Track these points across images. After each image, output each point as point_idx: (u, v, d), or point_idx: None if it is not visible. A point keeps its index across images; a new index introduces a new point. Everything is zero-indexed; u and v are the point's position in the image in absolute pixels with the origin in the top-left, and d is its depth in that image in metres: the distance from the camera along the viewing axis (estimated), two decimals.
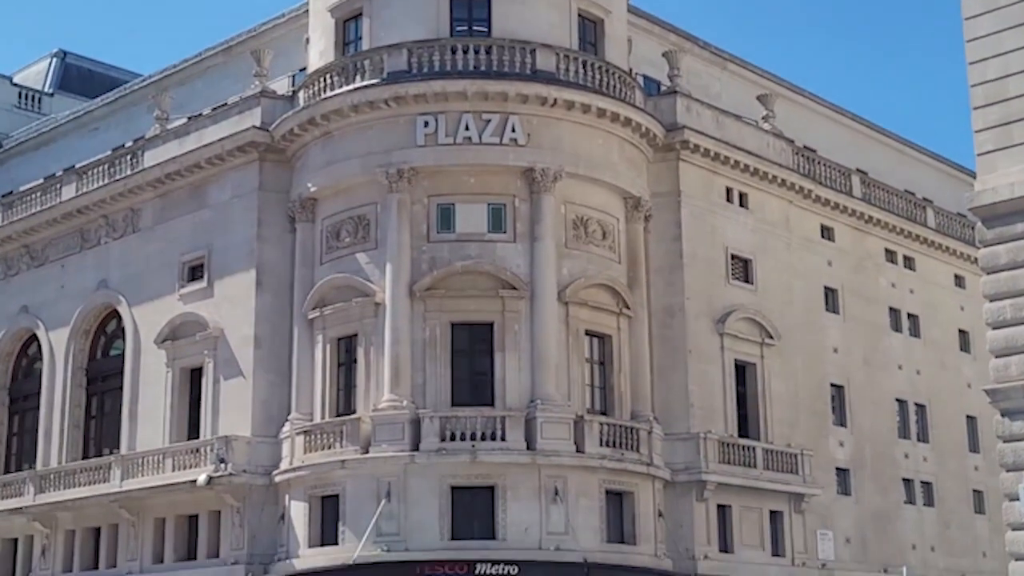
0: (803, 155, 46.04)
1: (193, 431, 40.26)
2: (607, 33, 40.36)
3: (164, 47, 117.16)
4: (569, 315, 37.61)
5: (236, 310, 39.79)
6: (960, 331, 51.09)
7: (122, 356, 43.52)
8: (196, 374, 40.75)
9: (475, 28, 38.71)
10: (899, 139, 57.20)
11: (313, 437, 36.95)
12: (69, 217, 46.14)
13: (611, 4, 40.75)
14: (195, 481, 37.66)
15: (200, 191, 42.16)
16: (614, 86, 39.12)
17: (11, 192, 51.44)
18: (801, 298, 44.41)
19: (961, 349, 51.10)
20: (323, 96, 38.68)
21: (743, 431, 40.99)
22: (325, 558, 35.54)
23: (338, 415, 37.34)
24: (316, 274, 38.87)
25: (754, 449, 40.23)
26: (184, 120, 43.87)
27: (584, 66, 38.62)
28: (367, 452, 35.80)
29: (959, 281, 51.59)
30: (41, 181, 49.45)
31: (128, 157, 44.69)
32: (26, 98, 63.95)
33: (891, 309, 48.50)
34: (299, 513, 36.77)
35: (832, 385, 45.30)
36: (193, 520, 39.47)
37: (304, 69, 41.86)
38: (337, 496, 36.13)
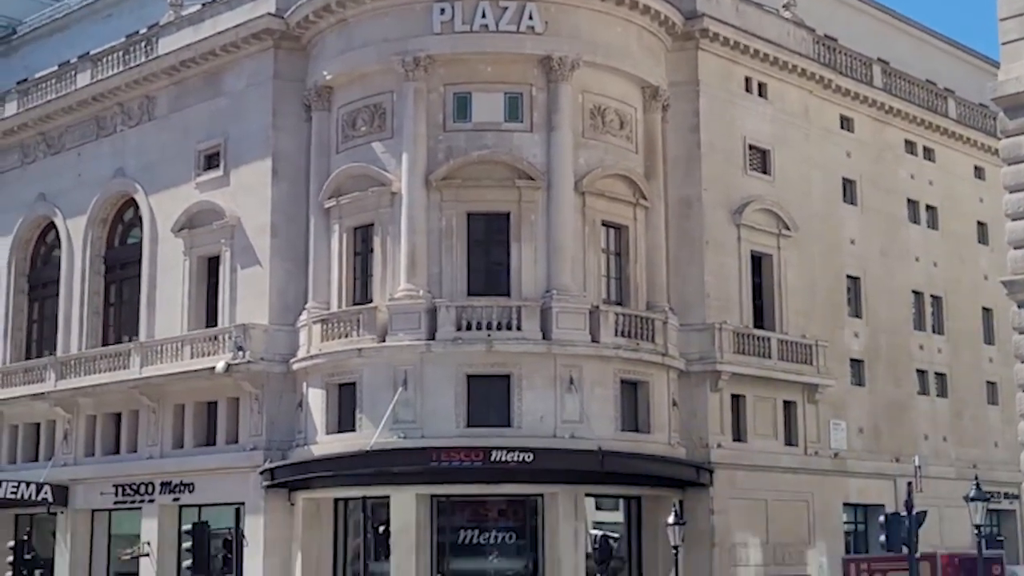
0: (824, 44, 45.42)
1: (211, 319, 40.54)
2: None
3: None
4: (586, 205, 37.51)
5: (252, 199, 39.77)
6: (978, 223, 50.83)
7: (139, 244, 43.66)
8: (213, 262, 40.90)
9: None
10: (922, 28, 56.29)
11: (330, 326, 37.17)
12: (84, 105, 45.94)
13: None
14: (213, 368, 38.01)
15: (215, 79, 41.88)
16: None
17: (26, 79, 51.15)
18: (819, 189, 44.17)
19: (979, 241, 50.88)
20: None
21: (758, 322, 41.08)
22: (342, 444, 35.98)
23: (355, 304, 37.51)
24: (332, 163, 38.75)
25: (769, 340, 40.37)
26: (198, 7, 43.39)
27: None
28: (384, 341, 36.01)
29: (979, 172, 51.19)
30: (56, 68, 49.13)
31: (143, 44, 44.33)
32: None
33: (909, 201, 48.23)
34: (316, 400, 37.15)
35: (848, 276, 45.23)
36: (212, 406, 39.92)
37: None
38: (354, 384, 36.45)
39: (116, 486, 41.61)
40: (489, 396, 35.61)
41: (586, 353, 36.09)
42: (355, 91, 38.51)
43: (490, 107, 37.33)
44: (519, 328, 35.66)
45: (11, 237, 48.45)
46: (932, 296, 48.45)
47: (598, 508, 37.59)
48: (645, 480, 36.87)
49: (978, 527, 29.95)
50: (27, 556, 39.75)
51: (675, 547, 34.45)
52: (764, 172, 42.19)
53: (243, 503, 37.44)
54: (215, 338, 38.96)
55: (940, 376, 48.24)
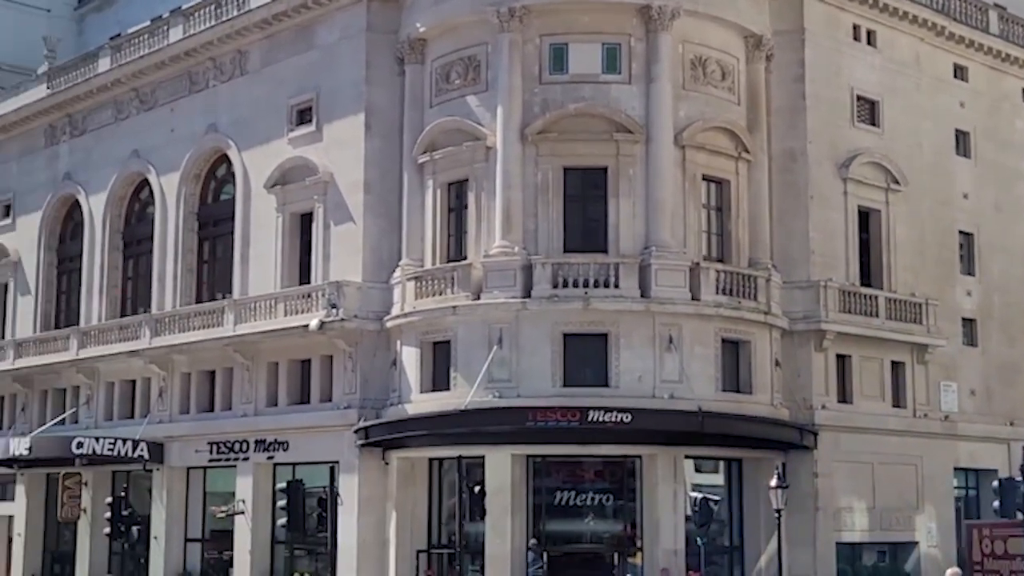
0: None
1: (304, 276, 40.97)
2: None
3: None
4: (686, 159, 37.18)
5: (345, 154, 40.03)
6: None
7: (232, 201, 44.18)
8: (306, 219, 41.27)
9: None
10: None
11: (424, 283, 37.38)
12: (177, 60, 46.51)
13: None
14: (307, 326, 38.42)
15: (307, 32, 42.14)
16: None
17: (119, 35, 51.92)
18: (930, 142, 43.32)
19: None
20: None
21: (865, 279, 40.52)
22: (437, 403, 36.26)
23: (449, 261, 37.67)
24: (426, 117, 38.85)
25: (876, 298, 39.80)
26: None
27: None
28: (478, 298, 36.14)
29: None
30: (148, 23, 49.77)
31: None
32: None
33: None
34: (411, 359, 37.44)
35: (961, 232, 44.35)
36: (306, 364, 40.42)
37: None
38: (448, 342, 36.65)
39: (211, 444, 42.39)
40: (586, 355, 35.59)
41: (686, 311, 35.88)
42: (449, 43, 38.51)
43: (587, 58, 37.09)
44: (617, 286, 35.54)
45: (106, 193, 49.30)
46: None
47: (697, 470, 37.45)
48: (746, 442, 36.66)
49: None
50: (124, 512, 40.67)
51: (778, 511, 34.29)
52: (872, 124, 41.47)
53: (337, 462, 37.89)
54: (308, 295, 39.39)
55: None
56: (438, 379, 36.88)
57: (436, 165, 38.27)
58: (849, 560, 38.73)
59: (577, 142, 36.78)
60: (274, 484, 39.93)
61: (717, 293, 36.42)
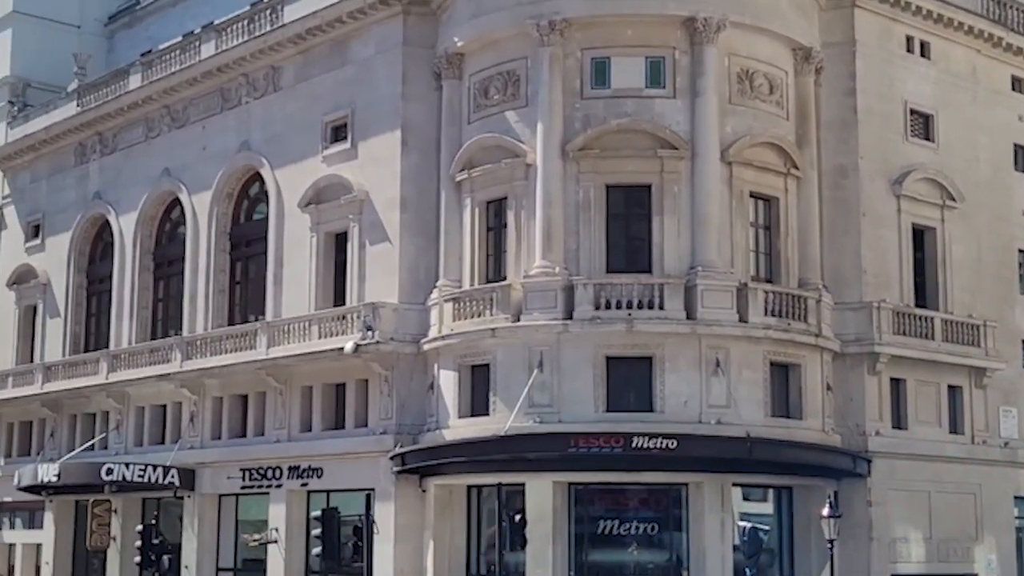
0: None
1: (339, 297, 40.96)
2: None
3: None
4: (732, 176, 36.95)
5: (381, 172, 40.03)
6: None
7: (265, 220, 44.30)
8: (341, 239, 41.29)
9: None
10: None
11: (462, 304, 37.27)
12: (209, 76, 46.73)
13: None
14: (342, 349, 38.39)
15: (342, 47, 42.23)
16: None
17: (150, 51, 52.24)
18: (987, 156, 42.94)
19: None
20: None
21: (920, 300, 40.16)
22: (476, 429, 36.10)
23: (488, 281, 37.55)
24: (464, 134, 38.80)
25: (932, 319, 39.43)
26: None
27: None
28: (518, 320, 36.00)
29: None
30: (180, 39, 50.07)
31: (267, 12, 44.85)
32: None
33: None
34: (448, 382, 37.32)
35: (1020, 251, 43.93)
36: (340, 388, 40.37)
37: None
38: (487, 365, 36.51)
39: (243, 470, 42.40)
40: (629, 379, 35.38)
41: (733, 334, 35.60)
42: (487, 58, 38.47)
43: (630, 72, 36.95)
44: (661, 307, 35.32)
45: (136, 213, 49.59)
46: None
47: (746, 498, 37.09)
48: (797, 469, 36.31)
49: None
50: (155, 541, 40.70)
51: (830, 541, 33.86)
52: (927, 138, 41.17)
53: (373, 489, 37.78)
54: (343, 317, 39.36)
55: None
56: (477, 404, 36.74)
57: (474, 183, 38.20)
58: None
59: (620, 159, 36.63)
60: (308, 512, 39.92)
61: (766, 314, 36.14)
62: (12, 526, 53.24)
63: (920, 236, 40.69)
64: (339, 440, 39.65)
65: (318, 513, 36.37)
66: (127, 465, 43.55)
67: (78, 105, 52.91)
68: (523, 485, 35.81)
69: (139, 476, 43.15)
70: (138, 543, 40.86)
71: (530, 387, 35.18)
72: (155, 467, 43.26)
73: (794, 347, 36.68)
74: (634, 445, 33.73)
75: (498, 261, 37.86)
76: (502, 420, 35.27)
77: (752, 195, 37.54)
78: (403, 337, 38.26)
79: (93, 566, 49.42)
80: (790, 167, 38.04)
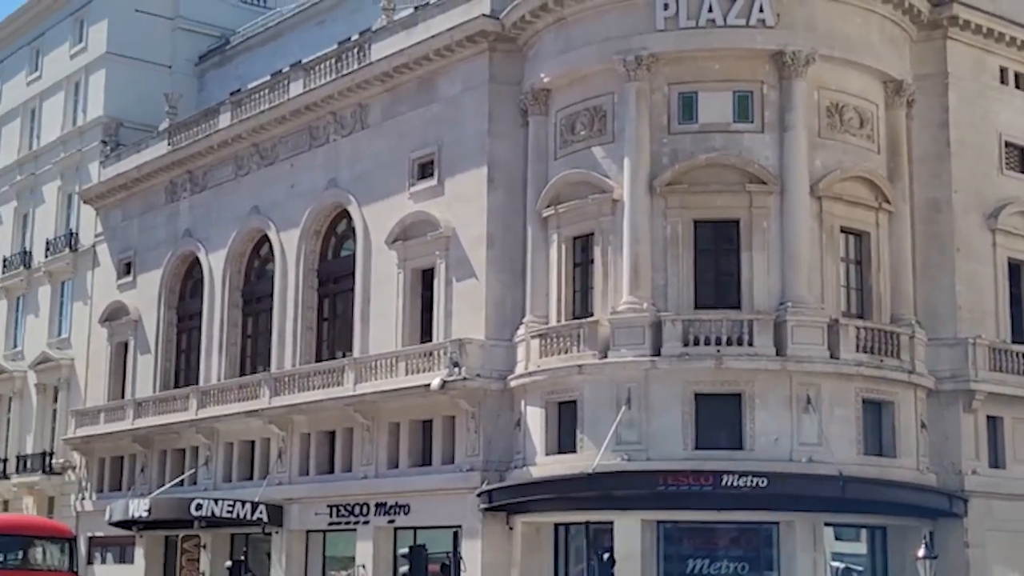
0: None
1: (426, 334, 41.31)
2: None
3: None
4: (823, 210, 36.83)
5: (467, 208, 40.40)
6: None
7: (353, 257, 44.81)
8: (428, 275, 41.68)
9: None
10: None
11: (549, 341, 37.42)
12: (297, 114, 47.47)
13: None
14: (428, 385, 38.68)
15: (429, 84, 42.75)
16: None
17: (239, 90, 53.20)
18: None
19: None
20: None
21: (1017, 336, 39.63)
22: (563, 466, 36.15)
23: (574, 318, 37.69)
24: (550, 170, 39.07)
25: None
26: (411, 10, 44.39)
27: None
28: (606, 357, 36.07)
29: None
30: (268, 78, 50.96)
31: (355, 51, 45.55)
32: None
33: None
34: (535, 419, 37.44)
35: None
36: (427, 425, 40.64)
37: None
38: (575, 402, 36.59)
39: (330, 506, 42.74)
40: (719, 416, 35.27)
41: (825, 370, 35.38)
42: (574, 94, 38.75)
43: (718, 107, 37.04)
44: (751, 343, 35.22)
45: (225, 250, 50.41)
46: None
47: (838, 538, 36.71)
48: (891, 509, 35.89)
49: None
50: None
51: None
52: (1022, 171, 40.73)
53: (460, 526, 37.88)
54: (430, 354, 39.67)
55: None
56: (564, 441, 36.81)
57: (561, 219, 38.42)
58: None
59: (708, 194, 36.66)
60: (395, 549, 40.06)
61: (857, 351, 35.89)
62: (104, 561, 54.06)
63: (1016, 270, 40.20)
64: (426, 477, 39.91)
65: (405, 550, 36.30)
66: (216, 501, 44.07)
67: (169, 144, 54.01)
68: (611, 523, 35.81)
69: (228, 512, 43.64)
70: None
71: (618, 424, 35.20)
72: (244, 503, 43.76)
73: (887, 384, 36.35)
74: (724, 483, 33.61)
75: (585, 297, 38.00)
76: (590, 457, 35.30)
77: (843, 230, 37.38)
78: (490, 373, 38.48)
79: None
80: (882, 201, 37.81)
